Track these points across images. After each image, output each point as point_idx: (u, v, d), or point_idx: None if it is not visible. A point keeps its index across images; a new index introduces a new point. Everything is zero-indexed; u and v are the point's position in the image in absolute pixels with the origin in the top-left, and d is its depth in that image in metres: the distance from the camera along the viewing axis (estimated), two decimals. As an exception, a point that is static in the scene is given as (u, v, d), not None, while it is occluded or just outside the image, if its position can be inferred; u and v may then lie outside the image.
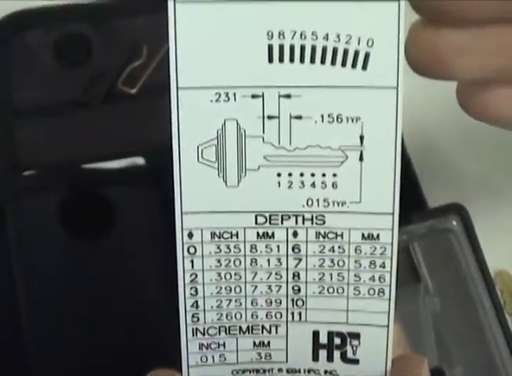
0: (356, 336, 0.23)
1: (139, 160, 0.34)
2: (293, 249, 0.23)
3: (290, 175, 0.22)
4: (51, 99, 0.35)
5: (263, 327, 0.24)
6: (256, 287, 0.23)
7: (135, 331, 0.32)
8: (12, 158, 0.34)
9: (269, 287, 0.23)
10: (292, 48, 0.22)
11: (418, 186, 0.34)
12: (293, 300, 0.23)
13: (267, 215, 0.23)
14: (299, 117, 0.22)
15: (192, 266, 0.23)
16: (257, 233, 0.23)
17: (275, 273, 0.23)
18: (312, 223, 0.23)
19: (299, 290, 0.23)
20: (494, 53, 0.21)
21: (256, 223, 0.23)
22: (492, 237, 0.35)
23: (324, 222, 0.23)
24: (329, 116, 0.22)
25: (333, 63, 0.22)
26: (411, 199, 0.34)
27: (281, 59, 0.22)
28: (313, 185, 0.23)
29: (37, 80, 0.36)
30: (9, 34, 0.36)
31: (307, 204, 0.23)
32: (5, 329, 0.32)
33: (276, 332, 0.24)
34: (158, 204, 0.33)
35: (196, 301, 0.23)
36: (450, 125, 0.38)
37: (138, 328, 0.32)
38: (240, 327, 0.24)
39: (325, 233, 0.23)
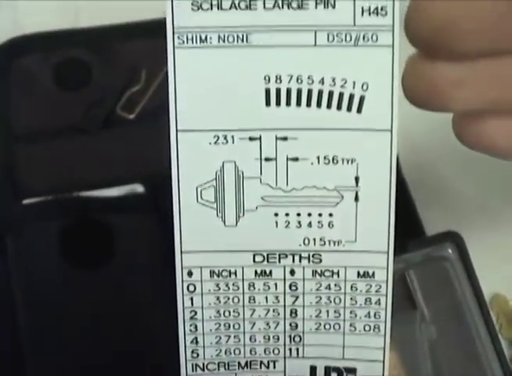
0: (352, 371, 0.24)
1: (138, 188, 0.35)
2: (290, 287, 0.23)
3: (287, 215, 0.23)
4: (50, 125, 0.36)
5: (261, 362, 0.24)
6: (254, 323, 0.24)
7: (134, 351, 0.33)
8: (12, 185, 0.34)
9: (267, 323, 0.24)
10: (289, 91, 0.22)
11: (415, 211, 0.35)
12: (290, 336, 0.24)
13: (265, 253, 0.23)
14: (295, 159, 0.23)
15: (192, 304, 0.23)
16: (255, 272, 0.23)
17: (273, 310, 0.24)
18: (309, 262, 0.23)
19: (296, 326, 0.24)
20: (488, 85, 0.21)
21: (254, 262, 0.23)
22: (488, 260, 0.35)
23: (320, 261, 0.23)
24: (325, 158, 0.23)
25: (328, 106, 0.22)
26: (408, 225, 0.34)
27: (278, 103, 0.22)
28: (310, 224, 0.23)
29: (37, 105, 0.36)
30: (9, 59, 0.36)
31: (304, 243, 0.23)
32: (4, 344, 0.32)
33: (274, 367, 0.24)
34: (157, 231, 0.33)
35: (196, 338, 0.24)
36: (446, 149, 0.38)
37: (137, 351, 0.33)
38: (239, 363, 0.24)
39: (321, 271, 0.23)
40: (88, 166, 0.35)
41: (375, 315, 0.23)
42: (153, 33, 0.37)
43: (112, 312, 0.32)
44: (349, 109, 0.22)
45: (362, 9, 0.22)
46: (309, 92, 0.22)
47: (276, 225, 0.23)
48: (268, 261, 0.23)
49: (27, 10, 0.39)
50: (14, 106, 0.36)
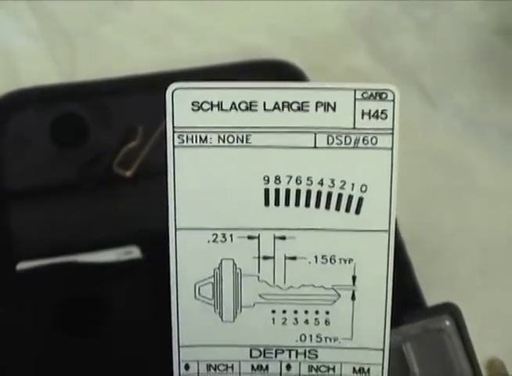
0: None
1: (135, 250, 0.34)
2: (286, 381, 0.24)
3: (284, 312, 0.23)
4: (46, 183, 0.36)
5: None
6: (250, 416, 0.24)
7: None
8: (5, 248, 0.34)
9: (263, 417, 0.24)
10: (288, 192, 0.22)
11: (413, 279, 0.35)
12: None
13: (261, 348, 0.23)
14: (293, 258, 0.23)
15: (188, 396, 0.24)
16: (252, 366, 0.23)
17: None
18: (305, 357, 0.23)
19: None
20: None
21: (251, 356, 0.23)
22: (485, 323, 0.35)
23: (316, 356, 0.23)
24: (322, 257, 0.23)
25: (327, 207, 0.22)
26: (405, 293, 0.34)
27: (277, 203, 0.22)
28: (306, 322, 0.23)
29: (32, 161, 0.36)
30: (4, 114, 0.36)
31: (300, 339, 0.23)
32: None
33: None
34: (154, 297, 0.33)
35: None
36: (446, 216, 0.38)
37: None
38: None
39: (317, 366, 0.23)
40: (83, 226, 0.35)
41: None
42: (150, 87, 0.36)
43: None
44: (347, 210, 0.22)
45: (363, 111, 0.22)
46: (308, 192, 0.22)
47: (273, 322, 0.23)
48: (264, 356, 0.23)
49: (23, 63, 0.39)
50: (8, 162, 0.36)
